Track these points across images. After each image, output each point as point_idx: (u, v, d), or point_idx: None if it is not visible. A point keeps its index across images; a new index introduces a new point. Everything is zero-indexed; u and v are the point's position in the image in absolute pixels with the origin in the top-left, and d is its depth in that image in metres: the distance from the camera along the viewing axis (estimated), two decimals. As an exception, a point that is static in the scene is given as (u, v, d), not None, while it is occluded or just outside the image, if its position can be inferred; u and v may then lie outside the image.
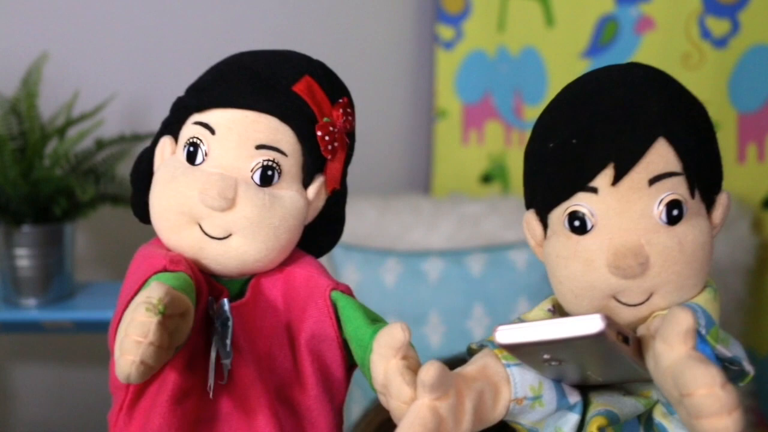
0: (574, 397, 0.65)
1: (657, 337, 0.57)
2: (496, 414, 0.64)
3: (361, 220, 1.52)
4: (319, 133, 0.69)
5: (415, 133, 1.81)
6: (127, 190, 1.42)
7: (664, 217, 0.62)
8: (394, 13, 1.76)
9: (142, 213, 0.72)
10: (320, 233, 0.74)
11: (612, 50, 1.52)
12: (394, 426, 0.60)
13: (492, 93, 1.69)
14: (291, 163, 0.69)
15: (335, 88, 0.72)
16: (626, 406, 0.64)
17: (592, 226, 0.63)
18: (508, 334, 0.59)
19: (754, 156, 1.45)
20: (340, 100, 0.71)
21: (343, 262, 1.46)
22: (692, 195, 0.63)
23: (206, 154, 0.68)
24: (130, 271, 0.69)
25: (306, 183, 0.71)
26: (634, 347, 0.60)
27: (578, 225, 0.63)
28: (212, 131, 0.68)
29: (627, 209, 0.62)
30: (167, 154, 0.71)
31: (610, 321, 0.56)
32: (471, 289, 1.40)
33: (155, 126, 1.53)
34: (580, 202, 0.63)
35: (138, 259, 0.70)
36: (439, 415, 0.59)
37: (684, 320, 0.55)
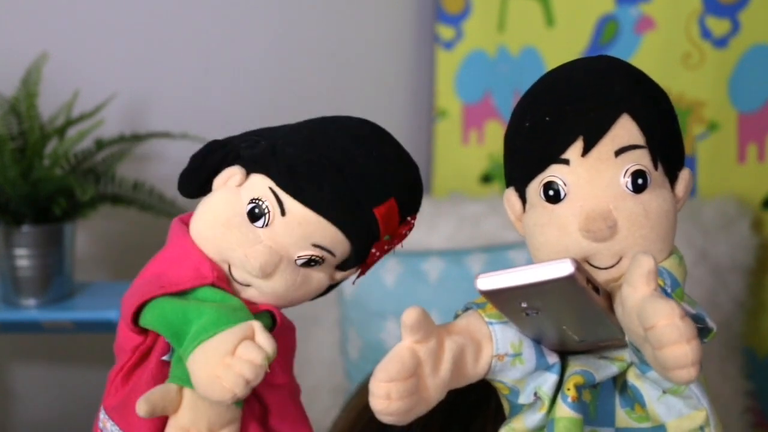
0: (553, 358, 0.70)
1: (623, 283, 0.62)
2: (479, 370, 0.68)
3: (361, 220, 1.52)
4: (373, 250, 0.73)
5: (415, 133, 1.81)
6: (126, 190, 1.42)
7: (629, 185, 0.67)
8: (394, 13, 1.76)
9: (186, 191, 0.74)
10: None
11: (612, 50, 1.52)
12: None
13: (492, 93, 1.69)
14: (336, 260, 0.73)
15: (412, 207, 0.74)
16: (601, 367, 0.69)
17: (565, 195, 0.68)
18: (487, 280, 0.63)
19: (755, 156, 1.45)
20: (409, 218, 0.74)
21: (343, 262, 1.46)
22: (655, 167, 0.69)
23: (267, 225, 0.70)
24: (168, 252, 0.72)
25: (340, 267, 0.74)
26: (605, 298, 0.65)
27: (552, 194, 0.69)
28: (283, 213, 0.70)
29: (596, 178, 0.68)
30: (232, 183, 0.72)
31: (579, 265, 0.61)
32: (471, 289, 1.39)
33: (155, 126, 1.54)
34: (554, 173, 0.69)
35: (178, 246, 0.72)
36: (417, 356, 0.63)
37: (646, 263, 0.60)
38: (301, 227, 0.70)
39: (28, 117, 1.33)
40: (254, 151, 0.73)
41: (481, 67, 1.69)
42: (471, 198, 1.57)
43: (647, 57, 1.50)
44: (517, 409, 0.71)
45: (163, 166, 1.55)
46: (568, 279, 0.60)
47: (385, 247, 0.73)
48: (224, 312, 0.66)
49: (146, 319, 0.69)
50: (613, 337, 0.67)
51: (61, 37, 1.54)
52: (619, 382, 0.70)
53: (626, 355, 0.69)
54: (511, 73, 1.65)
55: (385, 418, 0.62)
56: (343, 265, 0.74)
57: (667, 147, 0.71)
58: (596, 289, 0.64)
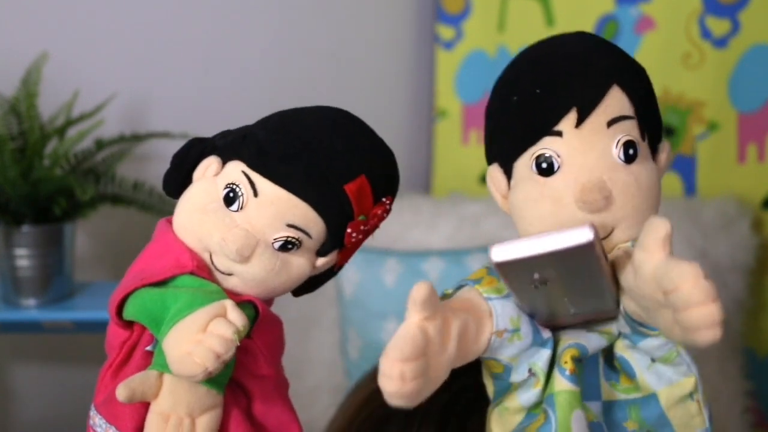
0: (546, 333, 0.69)
1: (636, 249, 0.61)
2: (479, 346, 0.67)
3: (361, 220, 1.52)
4: (348, 230, 0.73)
5: (415, 133, 1.81)
6: (126, 190, 1.42)
7: (621, 156, 0.68)
8: (394, 13, 1.76)
9: (170, 191, 0.77)
10: (303, 286, 0.78)
11: (612, 50, 1.52)
12: (380, 398, 0.61)
13: (492, 93, 1.69)
14: (313, 242, 0.73)
15: (385, 187, 0.75)
16: (592, 340, 0.69)
17: (559, 167, 0.68)
18: (503, 251, 0.62)
19: (755, 156, 1.45)
20: (384, 199, 0.75)
21: (343, 262, 1.46)
22: (643, 138, 0.69)
23: (242, 207, 0.72)
24: (152, 247, 0.74)
25: (320, 254, 0.75)
26: (609, 267, 0.65)
27: (545, 167, 0.68)
28: (256, 194, 0.72)
29: (589, 149, 0.68)
30: (209, 173, 0.74)
31: (596, 231, 0.61)
32: (471, 289, 1.40)
33: (155, 126, 1.54)
34: (547, 145, 0.68)
35: (162, 238, 0.74)
36: (427, 334, 0.61)
37: (662, 228, 0.59)
38: (274, 206, 0.71)
39: (28, 117, 1.33)
40: (228, 139, 0.75)
41: (481, 67, 1.69)
42: (471, 198, 1.57)
43: (647, 57, 1.50)
44: (504, 389, 0.71)
45: (163, 166, 1.54)
46: (588, 246, 0.60)
47: (361, 227, 0.73)
48: (199, 294, 0.67)
49: (129, 311, 0.70)
50: (606, 309, 0.68)
51: (61, 37, 1.54)
52: (602, 355, 0.71)
53: (613, 328, 0.70)
54: (511, 73, 1.65)
55: (397, 401, 0.60)
56: (322, 250, 0.74)
57: (653, 118, 0.71)
58: (605, 257, 0.64)
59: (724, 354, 1.38)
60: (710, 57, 1.46)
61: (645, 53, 1.50)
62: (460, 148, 1.73)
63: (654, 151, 0.72)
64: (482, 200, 1.54)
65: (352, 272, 1.45)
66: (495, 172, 0.73)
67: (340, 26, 1.72)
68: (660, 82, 1.50)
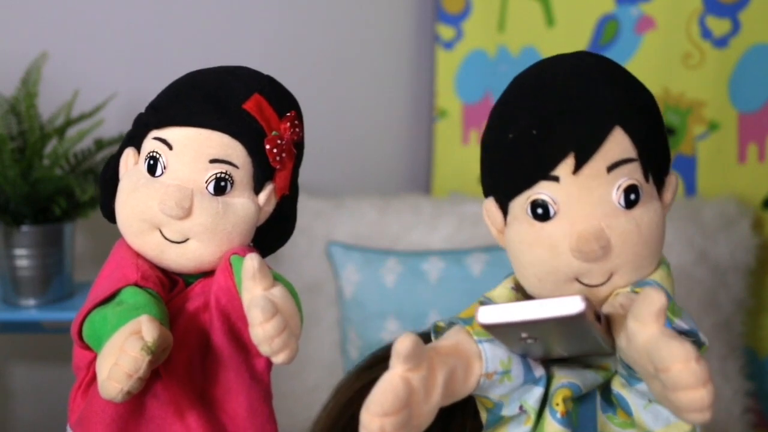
0: (539, 371, 0.68)
1: (629, 317, 0.59)
2: (467, 388, 0.66)
3: (361, 220, 1.52)
4: (267, 147, 0.75)
5: (415, 133, 1.81)
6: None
7: (622, 201, 0.65)
8: (394, 13, 1.76)
9: (109, 214, 0.80)
10: (271, 233, 0.80)
11: (612, 50, 1.52)
12: (364, 397, 0.61)
13: (492, 93, 1.69)
14: (242, 173, 0.75)
15: (283, 103, 0.77)
16: (587, 378, 0.68)
17: (555, 213, 0.66)
18: (491, 314, 0.61)
19: (755, 156, 1.45)
20: (288, 114, 0.77)
21: (343, 262, 1.46)
22: (647, 179, 0.66)
23: (165, 167, 0.74)
24: (108, 265, 0.77)
25: (257, 190, 0.77)
26: (604, 325, 0.63)
27: (541, 213, 0.66)
28: (170, 147, 0.74)
29: (587, 196, 0.65)
30: (131, 164, 0.77)
31: (588, 302, 0.59)
32: (471, 289, 1.40)
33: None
34: (542, 190, 0.66)
35: (115, 257, 0.77)
36: (411, 385, 0.60)
37: (657, 300, 0.57)
38: (189, 147, 0.73)
39: (28, 117, 1.33)
40: (130, 131, 0.79)
41: (481, 67, 1.69)
42: (471, 198, 1.57)
43: (647, 57, 1.50)
44: (496, 420, 0.70)
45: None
46: (579, 316, 0.59)
47: (278, 142, 0.75)
48: (125, 312, 0.69)
49: (85, 334, 0.72)
50: (602, 352, 0.66)
51: (61, 37, 1.54)
52: (600, 388, 0.69)
53: (611, 363, 0.68)
54: (511, 73, 1.62)
55: None
56: (257, 185, 0.76)
57: (658, 156, 0.69)
58: (598, 317, 0.62)
59: (724, 354, 1.38)
60: (710, 57, 1.46)
61: (645, 53, 1.50)
62: (460, 148, 1.73)
63: (660, 184, 0.69)
64: (482, 200, 1.53)
65: (352, 272, 1.45)
66: (491, 206, 0.72)
67: (340, 26, 1.72)
68: (660, 82, 1.50)
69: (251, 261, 0.66)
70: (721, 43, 1.45)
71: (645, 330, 0.57)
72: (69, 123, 1.36)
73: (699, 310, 1.36)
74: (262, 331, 0.63)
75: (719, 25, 1.45)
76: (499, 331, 0.63)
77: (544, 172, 0.66)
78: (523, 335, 0.62)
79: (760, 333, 1.47)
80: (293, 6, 1.69)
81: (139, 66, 1.59)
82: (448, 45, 1.71)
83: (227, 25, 1.64)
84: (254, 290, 0.66)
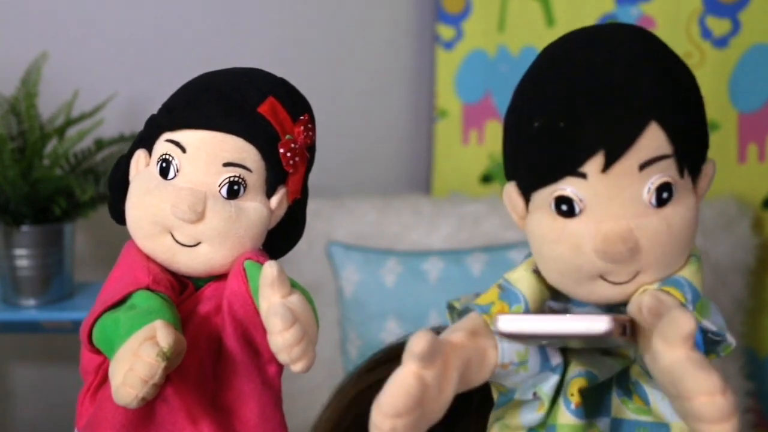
0: (556, 359, 0.65)
1: (656, 335, 0.56)
2: (481, 377, 0.64)
3: (361, 220, 1.52)
4: (281, 151, 0.74)
5: (415, 133, 1.81)
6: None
7: (654, 200, 0.61)
8: (394, 13, 1.76)
9: (118, 216, 0.78)
10: (280, 236, 0.79)
11: (612, 50, 1.52)
12: (371, 396, 0.60)
13: (492, 93, 1.69)
14: (255, 177, 0.74)
15: (297, 107, 0.76)
16: (605, 365, 0.65)
17: (580, 211, 0.62)
18: (511, 323, 0.59)
19: (755, 156, 1.45)
20: (302, 117, 0.76)
21: (343, 262, 1.46)
22: (681, 175, 0.62)
23: (178, 170, 0.73)
24: (117, 268, 0.75)
25: (269, 194, 0.76)
26: (629, 336, 0.61)
27: (566, 209, 0.62)
28: (183, 149, 0.73)
29: (616, 195, 0.61)
30: (141, 167, 0.76)
31: (615, 321, 0.57)
32: (471, 289, 1.39)
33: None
34: (568, 186, 0.62)
35: (126, 259, 0.75)
36: (424, 383, 0.57)
37: (687, 325, 0.54)
38: (202, 150, 0.72)
39: (28, 117, 1.33)
40: (142, 132, 0.78)
41: (481, 67, 1.69)
42: (471, 198, 1.57)
43: (647, 57, 1.50)
44: (508, 399, 0.68)
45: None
46: (604, 335, 0.57)
47: (292, 146, 0.74)
48: (138, 318, 0.67)
49: (95, 338, 0.71)
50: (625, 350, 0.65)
51: (61, 37, 1.54)
52: (616, 373, 0.67)
53: (630, 350, 0.66)
54: (511, 73, 1.64)
55: None
56: (270, 188, 0.75)
57: (695, 148, 0.65)
58: (624, 330, 0.60)
59: (724, 354, 1.38)
60: (710, 57, 1.46)
61: (645, 53, 1.50)
62: (460, 148, 1.73)
63: (697, 173, 0.64)
64: (482, 200, 1.54)
65: (351, 272, 1.45)
66: (513, 192, 0.66)
67: (339, 26, 1.72)
68: (660, 82, 1.50)
69: (270, 269, 0.65)
70: (721, 43, 1.45)
71: (671, 353, 0.55)
72: (69, 123, 1.36)
73: (699, 310, 1.37)
74: (281, 340, 0.62)
75: (719, 25, 1.45)
76: (518, 338, 0.62)
77: (571, 169, 0.61)
78: (544, 342, 0.62)
79: (760, 333, 1.47)
80: (293, 6, 1.69)
81: (139, 66, 1.59)
82: (448, 45, 1.71)
83: (227, 26, 1.64)
84: (273, 298, 0.65)
